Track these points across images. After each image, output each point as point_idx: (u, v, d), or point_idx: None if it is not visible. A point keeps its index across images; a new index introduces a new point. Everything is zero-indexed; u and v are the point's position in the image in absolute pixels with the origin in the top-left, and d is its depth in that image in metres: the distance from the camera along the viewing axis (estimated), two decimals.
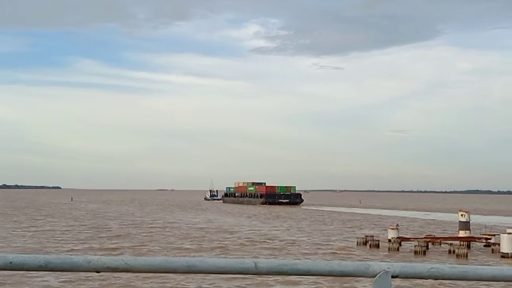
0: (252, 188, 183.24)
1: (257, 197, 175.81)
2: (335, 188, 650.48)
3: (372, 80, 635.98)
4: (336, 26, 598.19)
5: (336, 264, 3.58)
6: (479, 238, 56.96)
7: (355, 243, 57.55)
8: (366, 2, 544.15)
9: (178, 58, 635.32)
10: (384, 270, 3.53)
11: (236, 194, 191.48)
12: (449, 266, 3.60)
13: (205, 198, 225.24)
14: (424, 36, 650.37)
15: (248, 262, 3.57)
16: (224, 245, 55.46)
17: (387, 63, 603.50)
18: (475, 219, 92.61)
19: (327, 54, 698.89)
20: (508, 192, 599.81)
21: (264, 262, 3.59)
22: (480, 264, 39.20)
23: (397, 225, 61.88)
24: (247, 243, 57.70)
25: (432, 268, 3.59)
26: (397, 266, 3.58)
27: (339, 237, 66.77)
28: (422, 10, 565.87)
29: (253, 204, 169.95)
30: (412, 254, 50.90)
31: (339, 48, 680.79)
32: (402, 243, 55.21)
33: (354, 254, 50.87)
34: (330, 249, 54.14)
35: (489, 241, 55.15)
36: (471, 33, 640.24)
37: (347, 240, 62.23)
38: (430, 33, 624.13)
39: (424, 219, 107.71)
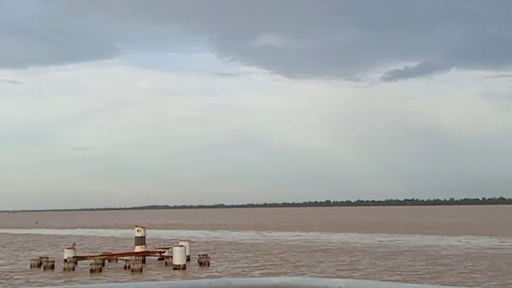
0: None
1: None
2: (9, 209, 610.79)
3: (53, 96, 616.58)
4: (11, 38, 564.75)
5: None
6: (154, 252, 58.98)
7: (29, 266, 54.55)
8: (43, 16, 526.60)
9: None
10: None
11: None
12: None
13: None
14: (105, 54, 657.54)
15: None
16: None
17: (68, 79, 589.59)
18: (152, 234, 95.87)
19: (1, 67, 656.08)
20: (183, 207, 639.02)
21: None
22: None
23: (74, 244, 60.56)
24: None
25: None
26: None
27: (10, 260, 62.54)
28: (102, 28, 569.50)
29: None
30: (88, 272, 50.20)
31: (16, 62, 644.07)
32: (79, 262, 54.14)
33: (25, 277, 48.04)
34: None
35: (163, 254, 57.43)
36: (150, 54, 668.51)
37: (19, 263, 58.60)
38: (111, 52, 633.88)
39: (103, 236, 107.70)
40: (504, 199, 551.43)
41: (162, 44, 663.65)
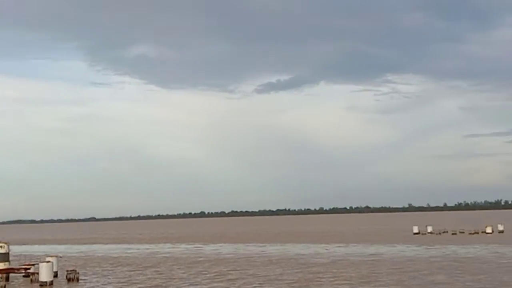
0: None
1: None
2: None
3: None
4: None
5: None
6: (19, 269, 55.99)
7: None
8: None
9: None
10: None
11: None
12: None
13: None
14: None
15: None
16: None
17: None
18: (17, 250, 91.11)
19: None
20: (52, 221, 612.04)
21: None
22: None
23: None
24: None
25: None
26: None
27: None
28: None
29: None
30: None
31: None
32: None
33: None
34: None
35: (28, 271, 54.67)
36: (16, 61, 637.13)
37: None
38: None
39: None
40: (370, 207, 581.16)
41: (29, 51, 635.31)
